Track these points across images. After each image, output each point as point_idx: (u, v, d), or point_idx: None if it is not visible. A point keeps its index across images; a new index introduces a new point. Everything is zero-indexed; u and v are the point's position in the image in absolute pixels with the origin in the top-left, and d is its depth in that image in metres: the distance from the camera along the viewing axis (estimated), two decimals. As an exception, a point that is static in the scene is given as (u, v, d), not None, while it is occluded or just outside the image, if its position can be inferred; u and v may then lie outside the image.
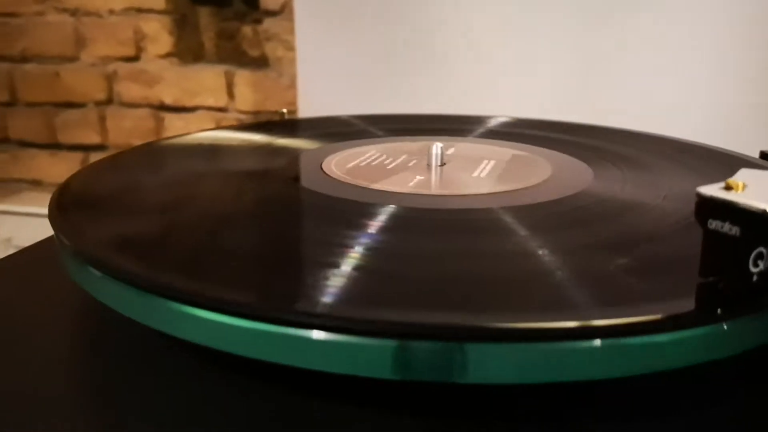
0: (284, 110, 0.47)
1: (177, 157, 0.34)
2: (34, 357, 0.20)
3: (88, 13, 0.97)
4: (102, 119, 1.00)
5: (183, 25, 0.96)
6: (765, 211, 0.18)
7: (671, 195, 0.28)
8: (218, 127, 0.42)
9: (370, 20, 0.82)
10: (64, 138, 1.02)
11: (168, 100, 0.98)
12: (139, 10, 0.96)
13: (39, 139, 1.03)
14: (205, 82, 0.97)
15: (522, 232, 0.23)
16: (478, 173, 0.31)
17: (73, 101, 1.00)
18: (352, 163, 0.32)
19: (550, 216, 0.25)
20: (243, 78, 0.96)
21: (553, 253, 0.21)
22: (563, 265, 0.21)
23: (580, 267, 0.21)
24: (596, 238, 0.23)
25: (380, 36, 0.82)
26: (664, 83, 0.67)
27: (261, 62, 0.95)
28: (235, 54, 0.96)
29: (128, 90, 0.99)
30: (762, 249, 0.19)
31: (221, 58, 0.96)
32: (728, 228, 0.19)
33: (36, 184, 1.06)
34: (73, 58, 0.99)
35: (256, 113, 0.96)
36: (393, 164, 0.33)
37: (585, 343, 0.17)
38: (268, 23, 0.94)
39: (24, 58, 1.00)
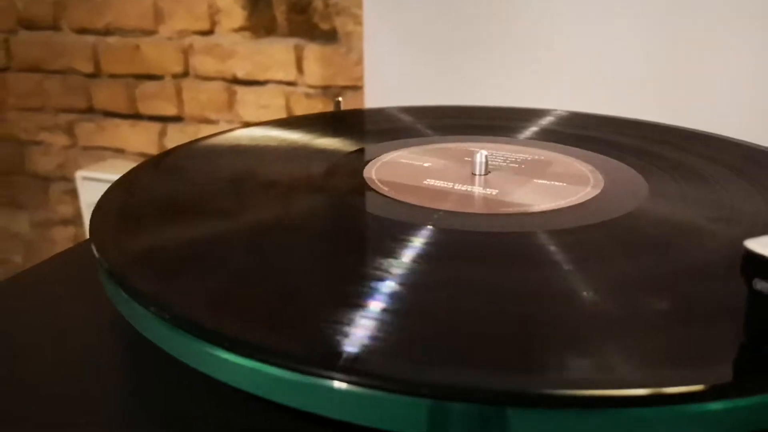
0: (339, 99, 0.48)
1: (214, 163, 0.33)
2: (69, 361, 0.21)
3: (167, -12, 1.00)
4: (179, 91, 1.04)
5: (256, -1, 0.98)
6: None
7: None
8: (261, 123, 0.42)
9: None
10: (144, 109, 1.07)
11: (240, 74, 1.00)
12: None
13: (121, 109, 1.08)
14: (275, 55, 0.98)
15: (567, 265, 0.22)
16: (523, 185, 0.30)
17: (151, 73, 1.04)
18: (393, 172, 0.31)
19: (595, 243, 0.24)
20: (312, 52, 0.97)
21: (604, 295, 0.20)
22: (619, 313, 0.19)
23: (630, 315, 0.19)
24: (647, 274, 0.21)
25: (449, 12, 0.81)
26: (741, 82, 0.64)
27: (330, 36, 0.96)
28: (306, 28, 0.97)
29: (203, 63, 1.02)
30: None
31: (292, 32, 0.97)
32: (761, 285, 0.17)
33: (119, 152, 1.11)
34: (151, 32, 1.02)
35: (324, 88, 0.97)
36: (435, 172, 0.31)
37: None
38: (339, -4, 0.94)
39: (107, 32, 1.04)
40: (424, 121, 0.42)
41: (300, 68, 0.98)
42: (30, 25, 1.08)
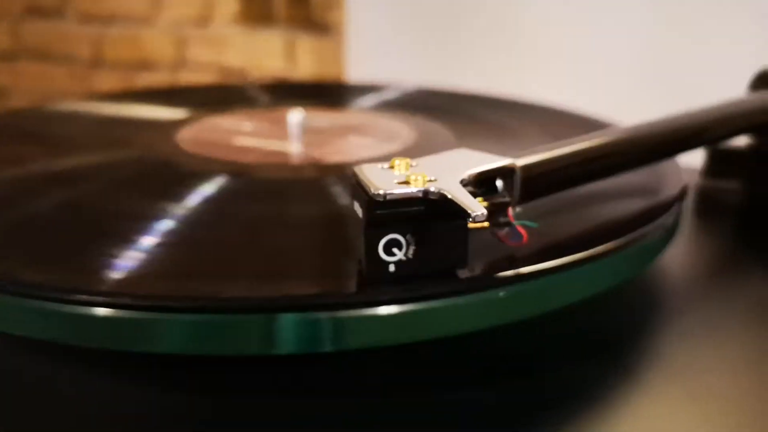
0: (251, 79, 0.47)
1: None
2: None
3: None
4: (174, 81, 1.05)
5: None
6: (379, 193, 0.15)
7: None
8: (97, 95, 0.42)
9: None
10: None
11: (235, 65, 1.00)
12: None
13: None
14: (269, 47, 0.98)
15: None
16: (332, 143, 0.30)
17: (149, 62, 1.06)
18: (208, 133, 0.31)
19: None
20: (306, 44, 0.96)
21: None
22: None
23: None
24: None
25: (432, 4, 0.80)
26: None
27: (324, 28, 0.95)
28: (301, 19, 0.96)
29: (198, 55, 1.03)
30: (396, 236, 0.16)
31: (287, 23, 0.97)
32: (357, 208, 0.16)
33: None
34: (150, 20, 1.04)
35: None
36: (250, 133, 0.31)
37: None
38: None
39: (110, 20, 1.07)
40: (276, 94, 0.42)
41: (293, 60, 0.97)
42: (37, 12, 1.11)
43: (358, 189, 0.16)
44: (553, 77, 0.73)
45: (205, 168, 0.25)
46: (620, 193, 0.24)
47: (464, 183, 0.16)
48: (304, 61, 0.97)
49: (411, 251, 0.16)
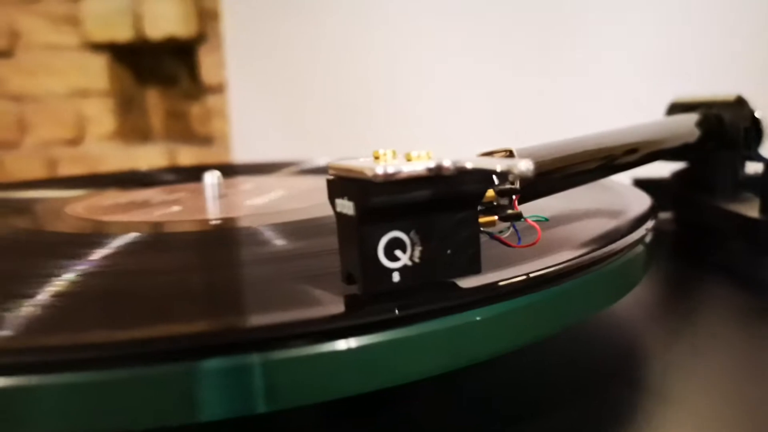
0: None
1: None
2: None
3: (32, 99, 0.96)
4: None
5: (129, 106, 0.95)
6: (378, 173, 0.12)
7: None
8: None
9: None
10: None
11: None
12: (83, 94, 0.94)
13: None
14: (149, 159, 0.94)
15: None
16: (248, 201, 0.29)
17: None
18: (111, 203, 0.28)
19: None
20: (188, 154, 0.93)
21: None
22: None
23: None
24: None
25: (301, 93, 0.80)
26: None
27: (207, 139, 0.92)
28: (181, 133, 0.93)
29: (71, 172, 0.96)
30: (398, 234, 0.13)
31: (166, 138, 0.94)
32: (343, 208, 0.13)
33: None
34: (16, 144, 0.97)
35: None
36: (162, 200, 0.29)
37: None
38: (212, 100, 0.92)
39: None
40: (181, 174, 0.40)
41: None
42: None
43: (343, 182, 0.13)
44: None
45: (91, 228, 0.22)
46: (588, 214, 0.22)
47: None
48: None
49: (417, 253, 0.13)
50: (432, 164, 0.12)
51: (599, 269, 0.16)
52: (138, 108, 0.97)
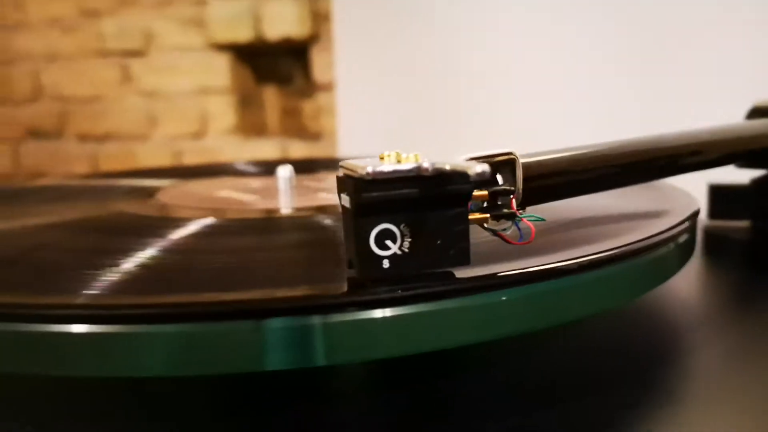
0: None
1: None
2: None
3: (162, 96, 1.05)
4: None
5: (248, 103, 1.01)
6: (368, 171, 0.14)
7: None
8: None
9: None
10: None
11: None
12: (206, 92, 1.02)
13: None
14: (263, 154, 1.00)
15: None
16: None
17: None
18: (195, 193, 0.31)
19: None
20: (298, 149, 0.98)
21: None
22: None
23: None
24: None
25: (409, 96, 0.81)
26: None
27: (317, 135, 0.97)
28: (294, 129, 0.98)
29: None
30: (389, 226, 0.14)
31: (280, 134, 0.99)
32: (345, 201, 0.15)
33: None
34: (145, 137, 1.06)
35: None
36: (243, 189, 0.32)
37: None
38: (323, 98, 0.96)
39: (106, 137, 1.09)
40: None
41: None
42: (36, 134, 1.13)
43: (345, 179, 0.15)
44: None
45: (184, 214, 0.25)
46: (630, 215, 0.23)
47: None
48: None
49: (406, 244, 0.15)
50: (411, 165, 0.14)
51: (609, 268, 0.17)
52: (256, 105, 1.03)
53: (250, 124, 1.01)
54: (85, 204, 0.30)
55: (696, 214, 0.23)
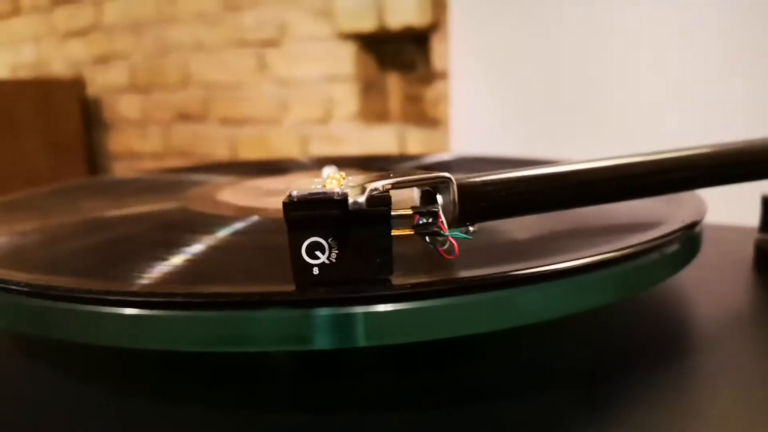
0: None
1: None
2: None
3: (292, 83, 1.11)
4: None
5: (371, 90, 1.05)
6: (291, 194, 0.16)
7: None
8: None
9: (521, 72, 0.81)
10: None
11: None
12: (332, 79, 1.07)
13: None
14: (383, 141, 1.04)
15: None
16: None
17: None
18: (249, 190, 0.34)
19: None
20: (415, 136, 1.01)
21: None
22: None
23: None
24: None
25: (528, 88, 0.81)
26: None
27: (434, 122, 0.99)
28: (414, 116, 1.01)
29: (318, 149, 1.10)
30: (318, 239, 0.17)
31: (401, 120, 1.02)
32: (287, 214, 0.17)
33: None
34: (277, 122, 1.13)
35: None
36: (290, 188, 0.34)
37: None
38: (441, 86, 0.98)
39: (243, 121, 1.18)
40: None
41: (403, 150, 1.02)
42: (184, 118, 1.25)
43: (284, 202, 0.17)
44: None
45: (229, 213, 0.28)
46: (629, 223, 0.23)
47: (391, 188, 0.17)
48: (414, 150, 1.01)
49: (333, 255, 0.17)
50: (327, 192, 0.16)
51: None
52: (379, 92, 1.06)
53: (372, 111, 1.05)
54: (159, 198, 0.34)
55: (694, 224, 0.23)
